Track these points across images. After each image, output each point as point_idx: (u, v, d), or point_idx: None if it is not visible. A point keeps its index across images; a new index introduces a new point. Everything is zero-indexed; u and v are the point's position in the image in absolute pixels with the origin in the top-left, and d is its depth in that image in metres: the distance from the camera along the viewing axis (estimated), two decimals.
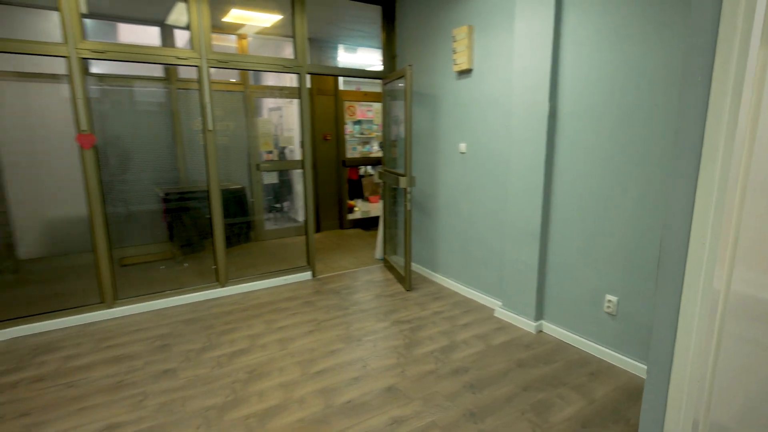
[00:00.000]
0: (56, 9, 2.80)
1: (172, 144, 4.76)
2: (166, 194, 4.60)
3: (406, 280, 3.74)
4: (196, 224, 4.56)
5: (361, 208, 6.34)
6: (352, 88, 6.72)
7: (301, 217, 6.14)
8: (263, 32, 5.02)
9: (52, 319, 3.03)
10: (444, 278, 3.85)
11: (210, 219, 3.50)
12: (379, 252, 4.65)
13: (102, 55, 3.00)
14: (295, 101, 5.94)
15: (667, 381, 1.21)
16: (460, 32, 3.27)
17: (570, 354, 2.64)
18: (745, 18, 0.98)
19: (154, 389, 2.29)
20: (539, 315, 2.94)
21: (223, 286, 3.63)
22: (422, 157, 3.98)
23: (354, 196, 6.42)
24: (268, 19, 4.53)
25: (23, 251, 4.24)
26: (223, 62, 3.36)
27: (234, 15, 4.40)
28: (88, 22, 4.48)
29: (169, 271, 4.07)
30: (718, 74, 1.03)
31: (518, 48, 2.80)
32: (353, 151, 6.25)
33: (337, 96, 5.84)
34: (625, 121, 2.32)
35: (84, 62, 2.92)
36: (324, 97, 5.75)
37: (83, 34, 2.90)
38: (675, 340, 1.18)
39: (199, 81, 3.29)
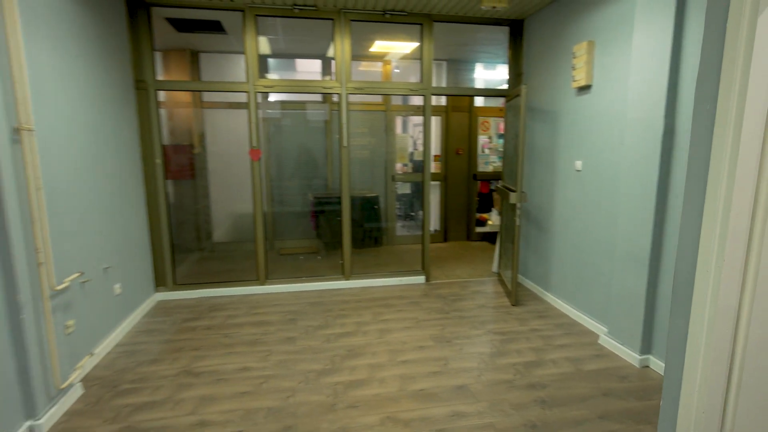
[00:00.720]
0: (242, 53, 3.75)
1: (323, 156, 5.67)
2: (315, 198, 5.50)
3: (512, 294, 3.77)
4: (332, 225, 5.34)
5: (494, 221, 6.40)
6: (497, 104, 6.79)
7: (432, 226, 6.52)
8: (404, 57, 5.59)
9: (225, 287, 4.02)
10: (555, 298, 3.75)
11: (340, 221, 4.14)
12: (495, 265, 4.72)
13: (271, 89, 3.89)
14: (434, 118, 6.38)
15: (676, 411, 1.17)
16: (580, 48, 3.22)
17: None
18: (746, 45, 0.97)
19: (278, 349, 2.93)
20: (646, 348, 2.71)
21: (347, 280, 4.23)
22: (539, 173, 3.95)
23: (483, 209, 6.51)
24: (408, 46, 5.06)
25: (216, 236, 5.62)
26: (359, 89, 3.96)
27: (378, 45, 5.06)
28: (268, 59, 5.70)
29: (307, 262, 4.90)
30: (722, 101, 1.02)
31: (635, 62, 2.67)
32: (485, 165, 6.37)
33: (472, 112, 6.07)
34: None
35: (258, 94, 3.84)
36: (458, 114, 6.03)
37: (260, 73, 3.82)
38: (683, 369, 1.15)
39: (339, 105, 3.96)
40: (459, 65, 6.06)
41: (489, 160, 6.47)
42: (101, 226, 2.89)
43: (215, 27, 4.25)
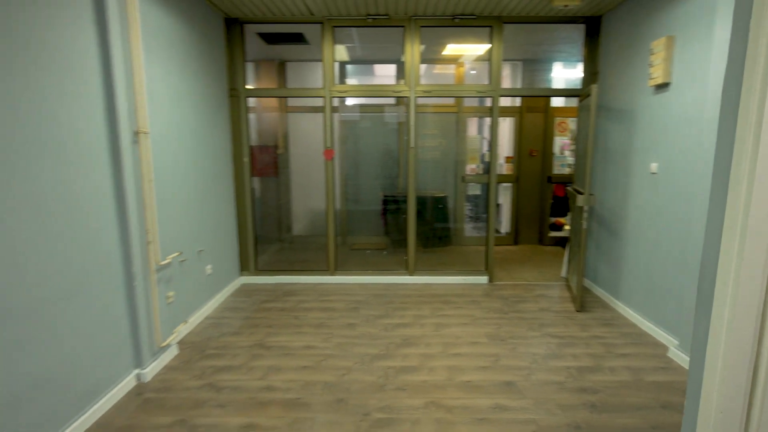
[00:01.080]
0: (320, 60, 4.10)
1: (396, 157, 5.89)
2: (385, 196, 5.75)
3: (576, 300, 3.66)
4: (398, 223, 5.53)
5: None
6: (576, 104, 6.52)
7: (503, 229, 6.45)
8: (477, 59, 5.61)
9: (299, 275, 4.42)
10: (624, 306, 3.57)
11: (404, 219, 4.32)
12: (564, 270, 4.57)
13: (345, 94, 4.19)
14: (508, 119, 6.31)
15: (697, 410, 1.16)
16: (658, 44, 3.06)
17: None
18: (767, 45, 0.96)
19: (339, 333, 3.19)
20: None
21: (410, 275, 4.40)
22: (613, 175, 3.78)
23: (558, 213, 6.28)
24: (480, 48, 5.09)
25: (295, 229, 6.11)
26: (428, 92, 4.11)
27: (450, 48, 5.16)
28: (343, 65, 6.05)
29: (374, 257, 5.15)
30: (744, 103, 1.01)
31: (717, 57, 2.50)
32: (562, 167, 6.14)
33: (548, 113, 5.90)
34: None
35: (333, 99, 4.16)
36: (533, 114, 5.90)
37: (340, 79, 4.13)
38: (704, 368, 1.14)
39: (407, 107, 4.14)
40: (535, 65, 5.93)
41: (566, 162, 6.23)
42: (197, 214, 3.38)
43: (299, 39, 4.67)
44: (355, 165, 5.90)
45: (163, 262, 2.75)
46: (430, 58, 5.63)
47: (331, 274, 4.42)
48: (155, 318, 2.64)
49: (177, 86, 3.05)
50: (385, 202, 5.74)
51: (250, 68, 5.60)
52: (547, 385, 2.50)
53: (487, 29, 4.07)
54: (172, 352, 2.83)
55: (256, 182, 5.54)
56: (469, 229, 6.66)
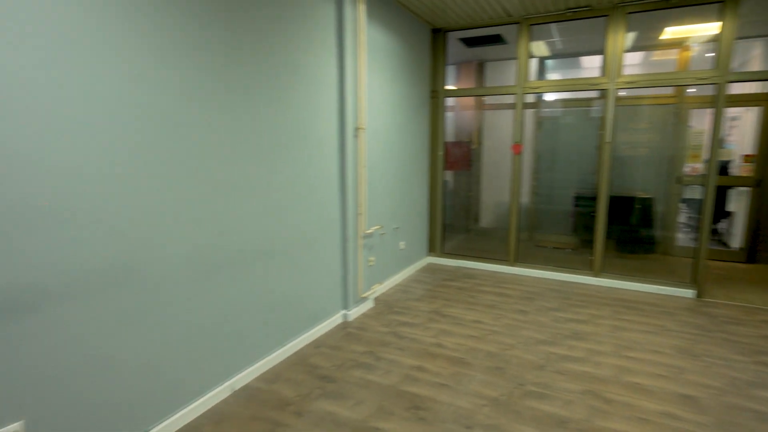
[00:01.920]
0: (515, 58, 4.28)
1: (591, 153, 5.54)
2: (577, 195, 5.50)
3: None
4: (587, 222, 5.21)
5: None
6: None
7: (734, 242, 5.35)
8: (708, 40, 4.80)
9: (479, 262, 4.73)
10: None
11: (594, 218, 4.13)
12: None
13: (537, 90, 4.27)
14: (754, 109, 5.18)
15: None
16: None
17: None
18: None
19: (509, 316, 3.39)
20: None
21: (595, 276, 4.20)
22: None
23: None
24: (710, 27, 4.36)
25: (482, 222, 6.41)
26: (630, 83, 3.84)
27: (669, 32, 4.58)
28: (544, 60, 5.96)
29: (556, 253, 5.02)
30: None
31: None
32: None
33: None
34: None
35: (524, 95, 4.29)
36: None
37: (539, 75, 4.25)
38: None
39: (605, 101, 3.95)
40: None
41: None
42: (396, 197, 4.05)
43: (497, 40, 4.92)
44: (548, 161, 5.81)
45: (368, 231, 3.47)
46: (642, 45, 5.09)
47: (510, 265, 4.58)
48: (359, 274, 3.37)
49: (388, 90, 3.74)
50: (577, 200, 5.49)
51: (451, 71, 6.14)
52: (741, 410, 2.19)
53: (716, 6, 3.52)
54: (369, 304, 3.55)
55: (450, 175, 6.08)
56: (684, 239, 5.74)
